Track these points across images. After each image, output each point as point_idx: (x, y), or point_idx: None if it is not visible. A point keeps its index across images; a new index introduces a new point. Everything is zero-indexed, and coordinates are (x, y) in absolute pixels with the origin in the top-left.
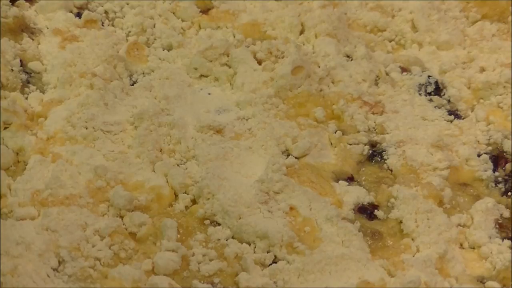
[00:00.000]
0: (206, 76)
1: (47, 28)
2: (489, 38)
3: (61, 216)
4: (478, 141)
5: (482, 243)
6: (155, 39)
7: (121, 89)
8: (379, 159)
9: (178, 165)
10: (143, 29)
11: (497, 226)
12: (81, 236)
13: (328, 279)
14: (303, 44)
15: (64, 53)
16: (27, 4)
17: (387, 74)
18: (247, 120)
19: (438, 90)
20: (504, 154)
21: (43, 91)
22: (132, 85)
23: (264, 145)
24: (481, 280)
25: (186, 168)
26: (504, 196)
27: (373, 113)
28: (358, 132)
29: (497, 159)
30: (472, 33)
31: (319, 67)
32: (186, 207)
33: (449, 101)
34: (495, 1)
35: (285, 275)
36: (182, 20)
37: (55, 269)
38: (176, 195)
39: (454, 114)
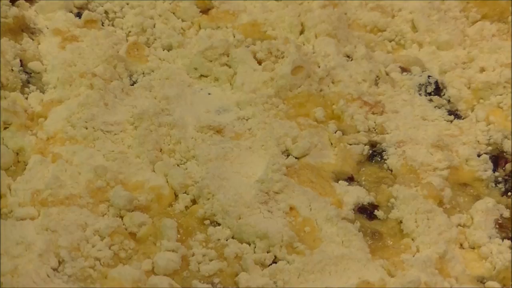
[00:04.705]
0: (206, 76)
1: (47, 28)
2: (489, 38)
3: (61, 216)
4: (478, 141)
5: (482, 243)
6: (155, 39)
7: (121, 89)
8: (379, 159)
9: (178, 165)
10: (143, 29)
11: (497, 226)
12: (81, 236)
13: (328, 279)
14: (303, 44)
15: (64, 53)
16: (27, 4)
17: (387, 74)
18: (247, 120)
19: (438, 90)
20: (504, 154)
21: (43, 91)
22: (132, 85)
23: (264, 145)
24: (481, 280)
25: (186, 168)
26: (504, 196)
27: (373, 113)
28: (358, 132)
29: (497, 159)
30: (472, 33)
31: (319, 67)
32: (186, 207)
33: (449, 101)
34: (495, 1)
35: (285, 275)
36: (182, 20)
37: (55, 269)
38: (176, 195)
39: (454, 114)
